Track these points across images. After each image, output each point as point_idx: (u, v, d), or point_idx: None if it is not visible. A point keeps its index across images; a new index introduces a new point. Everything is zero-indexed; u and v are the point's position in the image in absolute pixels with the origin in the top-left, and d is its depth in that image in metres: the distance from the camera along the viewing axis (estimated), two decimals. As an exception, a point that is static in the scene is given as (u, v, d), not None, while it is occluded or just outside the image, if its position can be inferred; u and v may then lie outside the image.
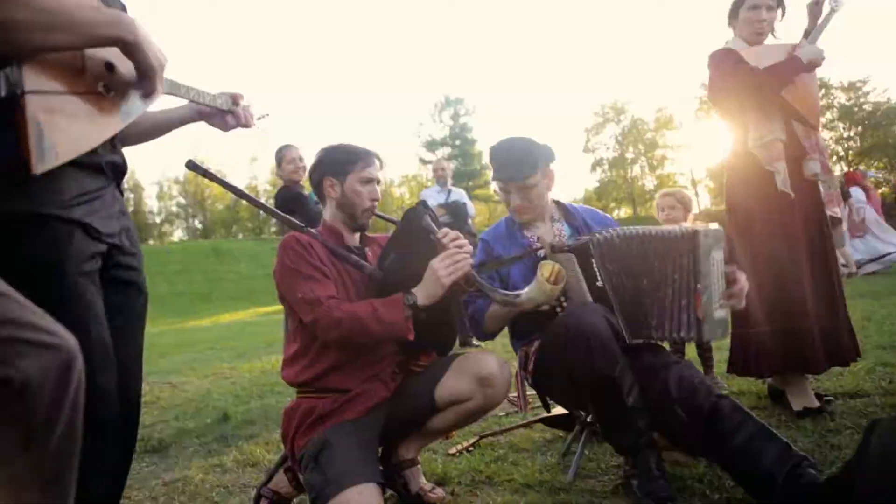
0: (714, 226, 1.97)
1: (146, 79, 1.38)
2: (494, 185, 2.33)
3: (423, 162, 41.87)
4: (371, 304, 1.89)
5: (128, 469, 1.55)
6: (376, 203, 2.12)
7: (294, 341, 2.06)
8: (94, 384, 1.19)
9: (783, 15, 2.78)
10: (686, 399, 1.83)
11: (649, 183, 48.33)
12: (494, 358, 2.04)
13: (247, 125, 1.91)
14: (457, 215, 5.50)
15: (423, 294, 1.88)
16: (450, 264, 1.88)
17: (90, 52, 1.33)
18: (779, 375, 2.68)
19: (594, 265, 1.99)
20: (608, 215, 2.47)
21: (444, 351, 2.16)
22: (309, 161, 2.30)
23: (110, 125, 1.38)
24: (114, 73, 1.37)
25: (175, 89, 1.62)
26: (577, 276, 2.01)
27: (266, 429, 3.40)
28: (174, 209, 56.56)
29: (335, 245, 2.04)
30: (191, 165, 2.02)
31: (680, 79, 78.60)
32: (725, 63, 2.70)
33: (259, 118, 1.99)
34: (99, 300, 1.37)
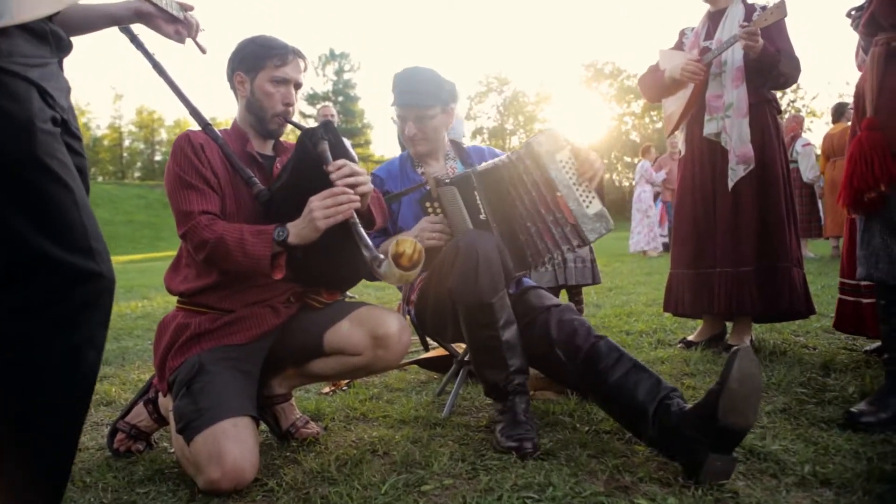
0: (539, 134, 2.03)
1: None
2: (393, 113, 2.23)
3: (304, 115, 40.46)
4: (241, 230, 1.70)
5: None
6: (291, 108, 1.90)
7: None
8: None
9: None
10: (566, 340, 1.85)
11: (527, 155, 49.74)
12: (397, 320, 1.86)
13: (191, 37, 1.70)
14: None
15: (294, 232, 1.68)
16: (330, 205, 1.66)
17: None
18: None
19: (477, 198, 1.98)
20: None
21: (341, 291, 2.03)
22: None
23: None
24: None
25: None
26: (461, 209, 1.98)
27: (122, 369, 3.17)
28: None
29: (233, 152, 1.82)
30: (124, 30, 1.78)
31: (563, 57, 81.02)
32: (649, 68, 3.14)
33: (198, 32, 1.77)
34: (70, 162, 1.18)
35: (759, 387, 1.48)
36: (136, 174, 49.99)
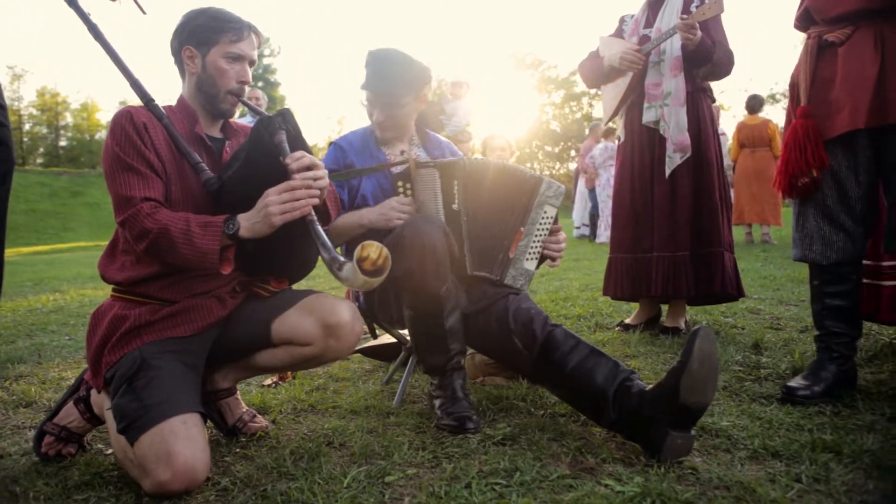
0: (557, 183, 2.04)
1: None
2: (362, 96, 2.18)
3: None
4: (187, 220, 1.58)
5: None
6: (245, 87, 1.78)
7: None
8: None
9: None
10: (522, 329, 1.85)
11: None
12: (349, 308, 1.74)
13: None
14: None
15: (247, 225, 1.57)
16: (287, 200, 1.56)
17: None
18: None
19: (455, 187, 1.95)
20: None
21: (291, 281, 1.94)
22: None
23: None
24: None
25: None
26: (436, 194, 1.95)
27: (40, 367, 2.94)
28: None
29: (179, 133, 1.69)
30: None
31: (484, 47, 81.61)
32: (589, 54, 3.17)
33: None
34: None
35: (717, 366, 1.52)
36: (39, 160, 46.76)
